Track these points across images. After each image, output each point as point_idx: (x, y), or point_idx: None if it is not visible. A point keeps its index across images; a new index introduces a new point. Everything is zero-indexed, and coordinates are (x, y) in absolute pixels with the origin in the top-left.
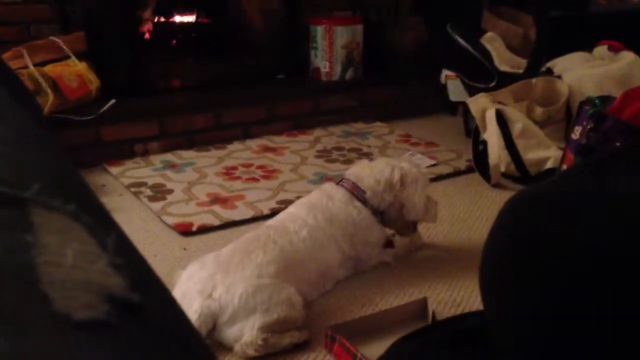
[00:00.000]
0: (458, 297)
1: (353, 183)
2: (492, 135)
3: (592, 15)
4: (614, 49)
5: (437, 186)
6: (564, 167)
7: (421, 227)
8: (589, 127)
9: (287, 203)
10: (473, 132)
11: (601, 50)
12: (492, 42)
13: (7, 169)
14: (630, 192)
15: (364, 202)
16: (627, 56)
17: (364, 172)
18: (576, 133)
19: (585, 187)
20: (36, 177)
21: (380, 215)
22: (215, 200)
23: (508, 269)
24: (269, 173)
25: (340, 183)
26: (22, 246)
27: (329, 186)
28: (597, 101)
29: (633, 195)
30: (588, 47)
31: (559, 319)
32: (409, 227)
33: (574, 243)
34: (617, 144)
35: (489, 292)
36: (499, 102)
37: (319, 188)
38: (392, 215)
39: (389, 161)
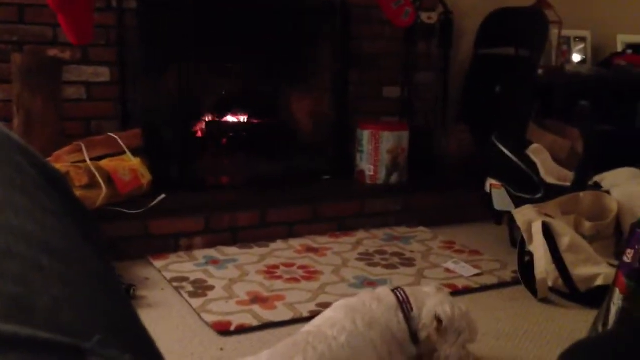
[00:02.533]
0: None
1: (406, 296)
2: (538, 248)
3: None
4: None
5: (481, 297)
6: (617, 290)
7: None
8: None
9: (326, 306)
10: (519, 244)
11: None
12: (538, 154)
13: (69, 316)
14: None
15: (407, 318)
16: None
17: (420, 294)
18: (629, 256)
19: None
20: (96, 324)
21: (415, 337)
22: (256, 299)
23: None
24: (310, 274)
25: (394, 291)
26: None
27: (382, 290)
28: None
29: None
30: (638, 163)
31: None
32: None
33: None
34: None
35: None
36: (546, 215)
37: (368, 291)
38: (424, 348)
39: (446, 296)
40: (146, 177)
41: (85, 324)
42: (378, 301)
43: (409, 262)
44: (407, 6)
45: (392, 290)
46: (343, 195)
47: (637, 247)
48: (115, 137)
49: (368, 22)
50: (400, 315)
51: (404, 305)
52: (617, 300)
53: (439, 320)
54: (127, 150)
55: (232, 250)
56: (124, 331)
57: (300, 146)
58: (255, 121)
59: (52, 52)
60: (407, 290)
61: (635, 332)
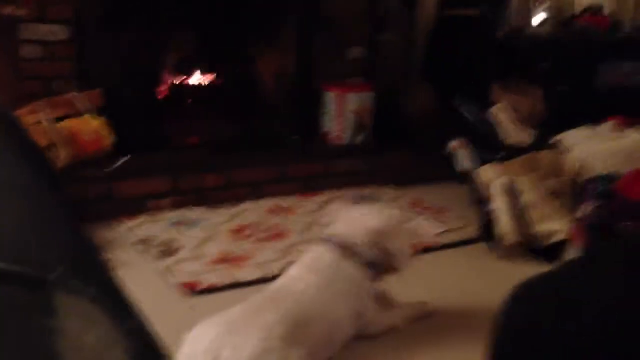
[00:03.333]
0: None
1: (342, 241)
2: (500, 206)
3: (600, 92)
4: (622, 125)
5: (446, 254)
6: (573, 243)
7: (431, 295)
8: (597, 205)
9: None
10: (482, 202)
11: (609, 126)
12: (501, 114)
13: (32, 248)
14: (625, 295)
15: (355, 257)
16: (635, 133)
17: (350, 227)
18: (584, 210)
19: (583, 287)
20: (60, 257)
21: (372, 267)
22: (225, 259)
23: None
24: (279, 234)
25: (330, 242)
26: (45, 331)
27: (319, 248)
28: (605, 179)
29: (627, 299)
30: (595, 122)
31: None
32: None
33: (563, 344)
34: (627, 223)
35: None
36: (508, 174)
37: (310, 250)
38: (380, 265)
39: (372, 213)
40: (109, 138)
41: (49, 257)
42: (323, 259)
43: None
44: None
45: (327, 241)
46: (310, 156)
47: (592, 201)
48: (76, 97)
49: None
50: (350, 261)
51: (345, 249)
52: (573, 253)
53: (375, 234)
54: (88, 111)
55: (200, 212)
56: (88, 266)
57: (266, 107)
58: (220, 82)
59: (7, 9)
60: (339, 231)
61: (585, 262)
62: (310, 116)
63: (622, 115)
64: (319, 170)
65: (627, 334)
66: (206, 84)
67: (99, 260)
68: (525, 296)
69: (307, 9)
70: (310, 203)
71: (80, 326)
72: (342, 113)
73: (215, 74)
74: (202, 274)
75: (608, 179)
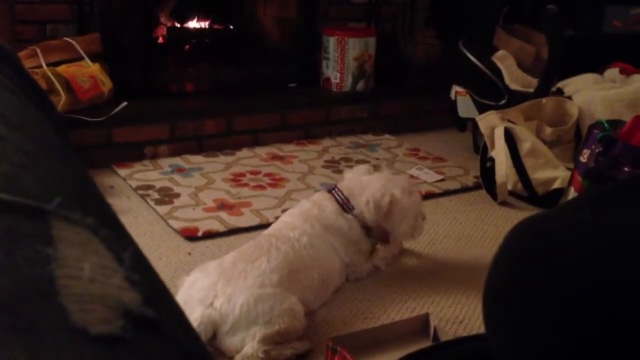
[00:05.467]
0: (461, 314)
1: (345, 197)
2: (500, 153)
3: (605, 37)
4: (625, 72)
5: (444, 201)
6: (572, 189)
7: (427, 243)
8: (597, 150)
9: None
10: (481, 149)
11: (613, 72)
12: (504, 60)
13: (30, 181)
14: (631, 225)
15: (353, 216)
16: (638, 79)
17: (357, 189)
18: (585, 156)
19: (586, 220)
20: (58, 189)
21: (367, 229)
22: (222, 206)
23: (508, 298)
24: (276, 181)
25: (332, 193)
26: (43, 259)
27: (320, 197)
28: (606, 125)
29: (632, 229)
30: (600, 68)
31: (557, 353)
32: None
33: (570, 277)
34: (626, 169)
35: (489, 317)
36: (509, 121)
37: (309, 198)
38: (377, 233)
39: (383, 182)
40: (107, 84)
41: (45, 189)
42: (321, 209)
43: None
44: None
45: (330, 192)
46: (309, 103)
47: (593, 147)
48: (73, 41)
49: None
50: (348, 216)
51: (345, 206)
52: (571, 198)
53: (382, 207)
54: (85, 56)
55: (197, 159)
56: (85, 198)
57: (265, 53)
58: (218, 27)
59: None
60: (345, 187)
61: (584, 201)
62: (312, 62)
63: (627, 62)
64: (319, 117)
65: (606, 275)
66: (205, 27)
67: (97, 193)
68: (520, 233)
69: None
70: (309, 150)
71: (78, 255)
72: (343, 58)
73: (214, 19)
74: (200, 220)
75: (610, 124)
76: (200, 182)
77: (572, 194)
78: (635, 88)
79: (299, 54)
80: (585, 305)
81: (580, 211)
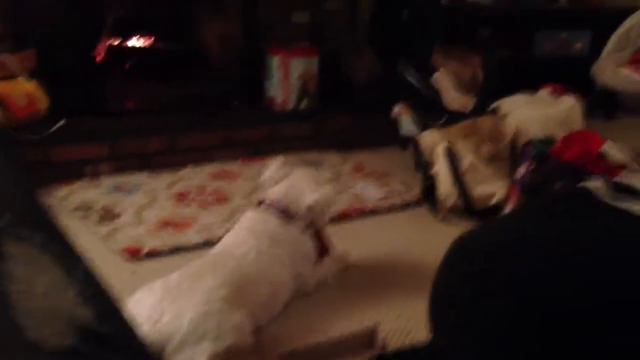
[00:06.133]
0: (408, 325)
1: (284, 205)
2: (441, 170)
3: (537, 59)
4: (556, 93)
5: (389, 217)
6: (509, 204)
7: (373, 257)
8: (532, 167)
9: None
10: (423, 167)
11: (545, 93)
12: (443, 80)
13: None
14: (554, 236)
15: (295, 221)
16: (568, 100)
17: (292, 194)
18: (520, 172)
19: (517, 233)
20: (8, 206)
21: (309, 229)
22: (166, 224)
23: (452, 307)
24: (221, 199)
25: (271, 205)
26: None
27: (259, 211)
28: (540, 143)
29: (557, 240)
30: (533, 89)
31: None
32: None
33: (504, 286)
34: (559, 183)
35: (435, 324)
36: (448, 138)
37: (249, 215)
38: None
39: (311, 181)
40: (43, 102)
41: None
42: (265, 223)
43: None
44: None
45: (268, 204)
46: (254, 121)
47: (528, 164)
48: (8, 58)
49: None
50: (292, 225)
51: (287, 215)
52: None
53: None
54: (21, 73)
55: (140, 177)
56: (36, 215)
57: (209, 71)
58: (161, 44)
59: None
60: (279, 195)
61: (521, 214)
62: (256, 80)
63: (557, 83)
64: (264, 134)
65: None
66: (147, 46)
67: (46, 210)
68: (460, 247)
69: None
70: (254, 168)
71: (30, 271)
72: (287, 77)
73: (157, 37)
74: (144, 239)
75: (544, 142)
76: (144, 201)
77: (509, 208)
78: (566, 108)
79: (243, 72)
80: (539, 311)
81: (525, 223)
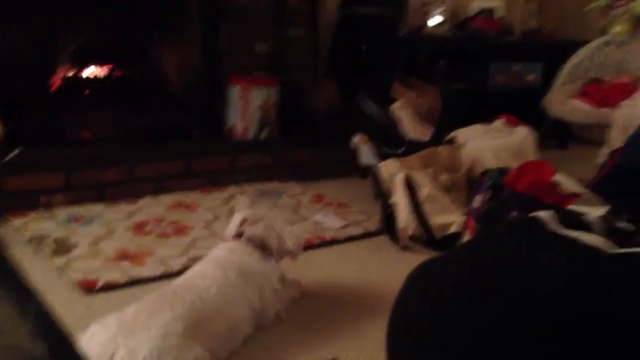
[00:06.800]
0: (367, 356)
1: (261, 241)
2: (400, 200)
3: (492, 90)
4: (510, 123)
5: (349, 247)
6: (466, 233)
7: (332, 287)
8: (487, 197)
9: (198, 260)
10: (382, 196)
11: (499, 123)
12: (401, 111)
13: None
14: (500, 267)
15: (269, 254)
16: (522, 130)
17: (268, 230)
18: (477, 202)
19: (467, 265)
20: None
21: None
22: (124, 256)
23: (408, 337)
24: (180, 229)
25: (249, 241)
26: None
27: (237, 243)
28: (495, 173)
29: (508, 268)
30: (488, 120)
31: None
32: None
33: (454, 318)
34: (514, 213)
35: (391, 354)
36: (407, 168)
37: (223, 246)
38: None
39: (281, 218)
40: None
41: None
42: (240, 255)
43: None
44: None
45: (245, 238)
46: (214, 151)
47: (484, 193)
48: None
49: None
50: (268, 261)
51: (264, 250)
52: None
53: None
54: None
55: (97, 207)
56: None
57: (169, 100)
58: (120, 73)
59: None
60: (254, 230)
61: (474, 244)
62: (216, 110)
63: (511, 114)
64: (224, 165)
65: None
66: (105, 75)
67: None
68: (415, 279)
69: (210, 1)
70: (214, 198)
71: None
72: (247, 107)
73: (115, 66)
74: (100, 272)
75: (498, 172)
76: (100, 232)
77: (467, 237)
78: (519, 138)
79: (203, 101)
80: (486, 341)
81: (475, 255)
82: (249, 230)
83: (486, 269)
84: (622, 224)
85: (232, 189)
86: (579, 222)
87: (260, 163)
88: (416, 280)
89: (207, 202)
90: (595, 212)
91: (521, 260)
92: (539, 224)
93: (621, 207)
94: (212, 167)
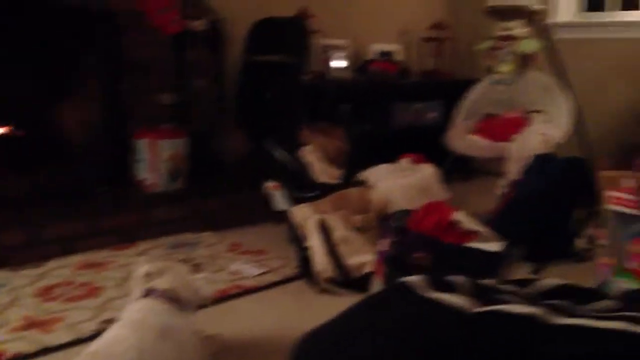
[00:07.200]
0: None
1: (174, 295)
2: (315, 243)
3: (396, 130)
4: (415, 161)
5: (268, 294)
6: (377, 275)
7: (254, 336)
8: (393, 240)
9: (112, 322)
10: (297, 241)
11: (405, 162)
12: (310, 155)
13: None
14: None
15: (184, 306)
16: (426, 168)
17: (179, 284)
18: (384, 244)
19: (353, 327)
20: None
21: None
22: (31, 324)
23: None
24: (92, 291)
25: (160, 297)
26: None
27: (150, 301)
28: (399, 215)
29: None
30: (394, 159)
31: None
32: None
33: None
34: (419, 254)
35: None
36: (320, 211)
37: (136, 306)
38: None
39: (186, 272)
40: None
41: None
42: (154, 313)
43: (196, 268)
44: (173, 14)
45: (157, 294)
46: (123, 206)
47: (387, 236)
48: None
49: (139, 29)
50: (183, 316)
51: (178, 305)
52: (377, 285)
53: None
54: None
55: (1, 274)
56: None
57: (73, 158)
58: (20, 133)
59: None
60: (165, 285)
61: (362, 308)
62: (123, 164)
63: (415, 152)
64: (134, 220)
65: None
66: (5, 135)
67: None
68: (301, 347)
69: (109, 54)
70: (126, 255)
71: None
72: (155, 160)
73: (14, 125)
74: (6, 342)
75: (402, 214)
76: (5, 300)
77: (377, 279)
78: (425, 176)
79: (109, 156)
80: None
81: (357, 319)
82: (158, 285)
83: (360, 336)
84: (486, 282)
85: (145, 244)
86: (446, 284)
87: (172, 215)
88: (301, 349)
89: (119, 259)
90: (491, 247)
91: (390, 326)
92: (408, 289)
93: (516, 242)
94: (123, 222)
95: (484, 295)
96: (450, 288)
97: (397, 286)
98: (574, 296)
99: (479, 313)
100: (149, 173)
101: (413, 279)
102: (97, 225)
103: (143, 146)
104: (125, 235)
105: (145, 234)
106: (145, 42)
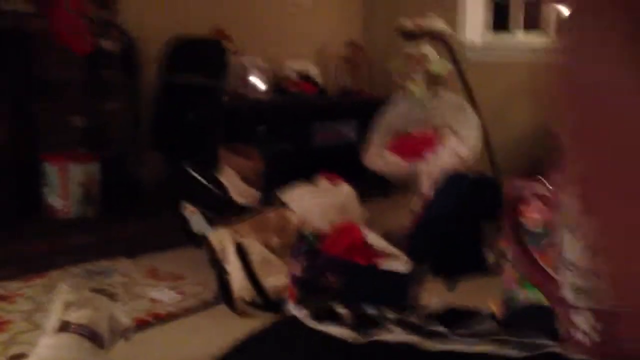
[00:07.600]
0: None
1: (91, 331)
2: (234, 267)
3: (314, 149)
4: (332, 181)
5: (186, 321)
6: (290, 299)
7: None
8: (305, 263)
9: (21, 358)
10: (216, 264)
11: (323, 181)
12: (228, 177)
13: None
14: None
15: (101, 343)
16: (344, 187)
17: (95, 318)
18: (295, 267)
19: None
20: None
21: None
22: None
23: None
24: None
25: (75, 331)
26: None
27: (62, 338)
28: (311, 238)
29: None
30: (312, 178)
31: None
32: None
33: None
34: (331, 278)
35: None
36: (238, 235)
37: (45, 343)
38: None
39: (104, 303)
40: None
41: None
42: (69, 351)
43: (111, 297)
44: (84, 33)
45: (75, 329)
46: (31, 234)
47: (299, 259)
48: None
49: (52, 49)
50: (100, 352)
51: (95, 340)
52: (290, 308)
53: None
54: None
55: None
56: None
57: None
58: None
59: None
60: (81, 319)
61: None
62: (30, 190)
63: (333, 171)
64: (43, 248)
65: None
66: None
67: None
68: None
69: (19, 74)
70: (36, 286)
71: None
72: (66, 185)
73: None
74: None
75: (313, 237)
76: None
77: (290, 303)
78: (342, 195)
79: (17, 183)
80: None
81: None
82: (75, 319)
83: None
84: (371, 311)
85: (55, 274)
86: (331, 314)
87: (85, 242)
88: None
89: (26, 291)
90: (400, 267)
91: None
92: (295, 321)
93: (426, 260)
94: (32, 251)
95: (368, 325)
96: (334, 319)
97: (286, 321)
98: (460, 319)
99: (363, 344)
100: (60, 198)
101: (300, 312)
102: (3, 255)
103: (53, 170)
104: (34, 264)
105: (55, 263)
106: (58, 62)
